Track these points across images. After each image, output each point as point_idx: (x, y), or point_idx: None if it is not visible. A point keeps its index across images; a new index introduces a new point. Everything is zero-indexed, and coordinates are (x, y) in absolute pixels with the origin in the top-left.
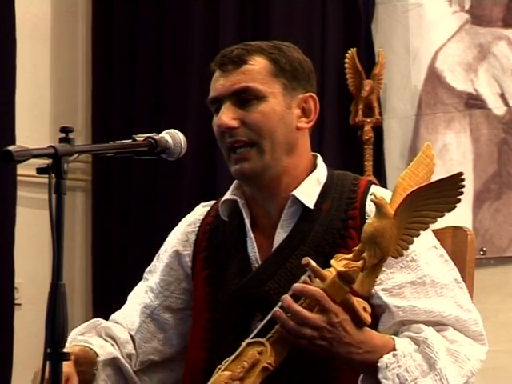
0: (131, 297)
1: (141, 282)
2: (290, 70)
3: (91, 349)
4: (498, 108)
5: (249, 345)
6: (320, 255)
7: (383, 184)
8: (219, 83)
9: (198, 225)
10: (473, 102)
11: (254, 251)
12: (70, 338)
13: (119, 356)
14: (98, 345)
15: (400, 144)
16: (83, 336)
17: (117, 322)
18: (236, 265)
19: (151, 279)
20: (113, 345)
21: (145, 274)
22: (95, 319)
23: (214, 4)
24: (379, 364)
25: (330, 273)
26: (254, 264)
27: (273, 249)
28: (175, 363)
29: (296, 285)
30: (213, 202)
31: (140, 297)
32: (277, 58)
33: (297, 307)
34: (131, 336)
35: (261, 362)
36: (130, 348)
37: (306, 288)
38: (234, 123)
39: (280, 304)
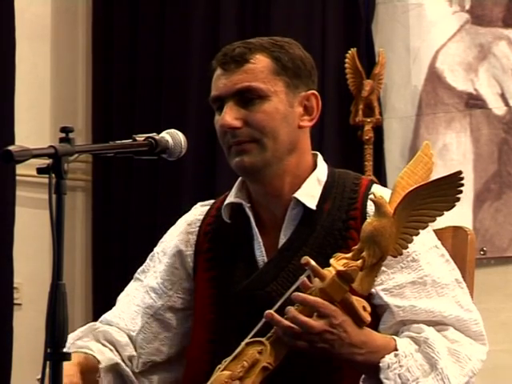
0: (123, 297)
1: (132, 283)
2: (292, 67)
3: (93, 356)
4: (498, 108)
5: (248, 344)
6: (322, 256)
7: (383, 184)
8: (221, 82)
9: (198, 225)
10: (473, 102)
11: (261, 254)
12: (67, 344)
13: (119, 361)
14: (98, 351)
15: (400, 144)
16: (82, 341)
17: (111, 325)
18: (243, 267)
19: (148, 279)
20: (111, 350)
21: (136, 275)
22: (91, 323)
23: (214, 4)
24: (381, 364)
25: (329, 272)
26: (262, 266)
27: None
28: (174, 364)
29: (296, 294)
30: (211, 201)
31: (138, 298)
32: (279, 55)
33: (303, 318)
34: (130, 337)
35: (260, 362)
36: (130, 350)
37: (307, 298)
38: (237, 123)
39: (276, 307)
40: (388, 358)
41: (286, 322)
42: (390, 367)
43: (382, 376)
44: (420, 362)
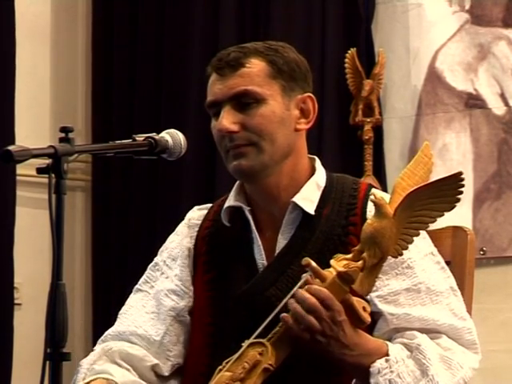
0: (128, 310)
1: (133, 295)
2: (288, 70)
3: (114, 381)
4: (498, 108)
5: (250, 345)
6: (321, 262)
7: (383, 184)
8: (217, 87)
9: (196, 229)
10: (473, 101)
11: (261, 258)
12: (83, 369)
13: (141, 381)
14: (119, 374)
15: (400, 144)
16: (98, 365)
17: (121, 336)
18: (242, 270)
19: (161, 285)
20: (128, 369)
21: (137, 287)
22: (102, 345)
23: (214, 4)
24: (371, 369)
25: (329, 273)
26: (261, 270)
27: (275, 255)
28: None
29: (309, 286)
30: (208, 205)
31: (148, 306)
32: (274, 59)
33: (306, 294)
34: (151, 344)
35: (262, 363)
36: (150, 360)
37: (322, 291)
38: (235, 127)
39: (279, 309)
40: (379, 363)
41: (300, 308)
42: (381, 372)
43: (372, 381)
44: (411, 368)
